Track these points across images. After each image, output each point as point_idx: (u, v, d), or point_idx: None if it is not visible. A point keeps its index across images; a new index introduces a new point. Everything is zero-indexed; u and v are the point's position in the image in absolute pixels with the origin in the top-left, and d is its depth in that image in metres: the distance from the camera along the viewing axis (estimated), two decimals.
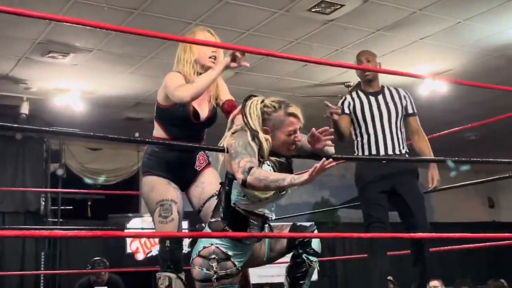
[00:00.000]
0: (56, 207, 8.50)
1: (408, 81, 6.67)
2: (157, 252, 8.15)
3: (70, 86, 7.50)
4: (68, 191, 8.71)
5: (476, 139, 10.23)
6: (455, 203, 11.99)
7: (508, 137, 9.53)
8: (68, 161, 9.31)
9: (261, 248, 2.87)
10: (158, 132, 3.24)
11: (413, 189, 3.91)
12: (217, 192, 2.88)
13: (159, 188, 3.14)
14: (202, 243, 2.73)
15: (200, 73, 3.14)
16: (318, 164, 2.39)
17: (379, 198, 3.84)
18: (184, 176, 3.24)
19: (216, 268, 2.67)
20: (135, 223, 8.49)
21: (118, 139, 2.53)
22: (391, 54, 6.72)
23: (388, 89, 4.12)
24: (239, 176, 2.52)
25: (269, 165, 2.67)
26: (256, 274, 8.34)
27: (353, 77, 5.36)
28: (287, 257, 2.91)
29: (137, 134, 7.58)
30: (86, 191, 8.83)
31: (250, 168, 2.50)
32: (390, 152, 3.93)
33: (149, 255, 8.44)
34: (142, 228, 8.30)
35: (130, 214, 8.82)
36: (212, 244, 2.69)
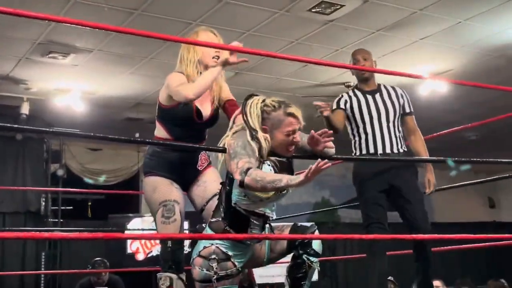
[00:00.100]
0: (57, 207, 8.51)
1: (408, 81, 6.68)
2: (157, 253, 8.21)
3: (71, 86, 7.51)
4: (69, 191, 8.72)
5: (476, 139, 10.23)
6: (456, 203, 11.98)
7: (508, 137, 9.53)
8: (69, 162, 9.32)
9: (262, 248, 2.87)
10: (160, 132, 3.23)
11: (411, 183, 3.89)
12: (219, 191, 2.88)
13: (161, 188, 3.14)
14: (202, 243, 2.74)
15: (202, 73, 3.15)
16: (313, 166, 2.38)
17: (378, 198, 3.83)
18: (186, 176, 3.24)
19: (216, 268, 2.66)
20: (135, 223, 8.49)
21: (118, 140, 2.54)
22: (391, 54, 6.72)
23: (385, 87, 4.11)
24: (237, 177, 2.53)
25: (269, 165, 2.66)
26: (256, 274, 8.29)
27: (353, 77, 5.35)
28: (288, 257, 2.91)
29: (137, 135, 7.59)
30: (86, 191, 8.84)
31: (248, 169, 2.50)
32: (388, 151, 3.92)
33: (149, 255, 8.45)
34: (143, 229, 8.31)
35: (130, 214, 8.83)
36: (212, 244, 2.69)
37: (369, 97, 4.03)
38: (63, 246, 8.70)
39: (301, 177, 2.43)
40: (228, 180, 2.70)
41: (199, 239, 2.82)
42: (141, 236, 8.70)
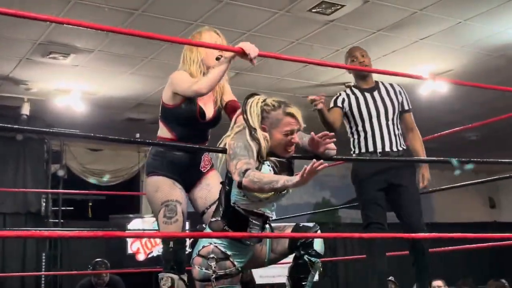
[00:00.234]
0: (57, 208, 8.52)
1: (408, 81, 6.66)
2: (158, 253, 8.22)
3: (71, 87, 7.51)
4: (69, 192, 8.72)
5: (477, 139, 10.23)
6: (456, 203, 11.98)
7: (509, 137, 9.53)
8: (69, 162, 9.32)
9: (262, 249, 2.87)
10: (163, 132, 3.24)
11: (409, 183, 3.88)
12: None
13: (164, 188, 3.13)
14: (202, 242, 2.74)
15: (205, 74, 3.14)
16: (308, 166, 2.37)
17: (378, 198, 3.82)
18: (189, 177, 3.23)
19: (214, 267, 2.67)
20: (136, 224, 8.50)
21: (119, 140, 2.54)
22: (391, 54, 6.72)
23: (383, 84, 4.09)
24: (236, 178, 2.54)
25: (269, 166, 2.67)
26: (257, 275, 8.29)
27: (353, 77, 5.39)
28: (289, 258, 2.91)
29: (137, 135, 7.60)
30: (87, 191, 8.84)
31: (246, 170, 2.50)
32: (387, 149, 3.90)
33: (150, 255, 8.45)
34: (143, 229, 8.31)
35: (130, 215, 8.84)
36: (211, 244, 2.70)
37: (368, 95, 4.00)
38: (64, 246, 8.70)
39: (297, 177, 2.43)
40: (227, 180, 2.71)
41: (199, 237, 2.83)
42: (141, 234, 8.69)
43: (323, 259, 2.84)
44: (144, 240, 8.43)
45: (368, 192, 3.84)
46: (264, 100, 2.72)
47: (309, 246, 2.79)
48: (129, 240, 8.34)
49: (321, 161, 2.38)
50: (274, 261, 2.93)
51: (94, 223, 8.79)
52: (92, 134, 2.62)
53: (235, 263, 2.71)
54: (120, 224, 8.36)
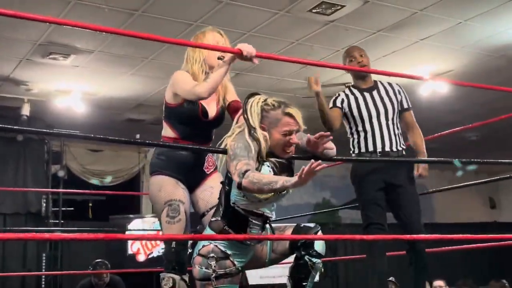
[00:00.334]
0: (57, 208, 8.52)
1: (409, 82, 6.67)
2: (158, 253, 8.22)
3: (71, 87, 7.51)
4: (69, 192, 8.72)
5: (477, 139, 10.23)
6: (456, 204, 11.99)
7: (509, 137, 9.53)
8: (69, 163, 9.32)
9: (263, 249, 2.86)
10: (167, 132, 3.25)
11: (409, 183, 3.88)
12: None
13: (167, 188, 3.14)
14: (202, 242, 2.75)
15: (208, 73, 3.16)
16: (305, 167, 2.37)
17: (377, 198, 3.81)
18: (192, 177, 3.24)
19: (214, 266, 2.67)
20: (136, 224, 8.50)
21: (119, 141, 2.54)
22: (392, 54, 6.72)
23: (382, 84, 4.07)
24: (236, 179, 2.54)
25: (268, 166, 2.67)
26: (258, 275, 8.35)
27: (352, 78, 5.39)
28: (290, 258, 2.91)
29: (138, 136, 7.60)
30: (87, 192, 8.84)
31: (246, 171, 2.50)
32: (387, 149, 3.89)
33: (150, 256, 8.45)
34: (144, 229, 8.31)
35: (131, 215, 8.84)
36: (211, 243, 2.70)
37: (367, 95, 3.99)
38: (64, 247, 8.70)
39: (295, 178, 2.42)
40: (227, 180, 2.71)
41: (199, 239, 2.83)
42: (142, 236, 8.70)
43: (323, 259, 2.84)
44: (144, 240, 8.43)
45: (367, 192, 3.83)
46: (265, 100, 2.73)
47: (310, 247, 2.78)
48: (129, 241, 8.35)
49: (319, 161, 2.38)
50: (274, 261, 2.92)
51: (94, 224, 8.79)
52: (92, 135, 2.62)
53: (235, 262, 2.71)
54: (121, 224, 8.36)
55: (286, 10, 5.70)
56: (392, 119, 3.97)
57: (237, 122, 2.83)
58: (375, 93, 4.01)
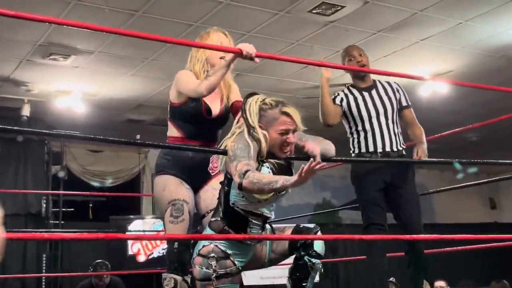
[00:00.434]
0: (58, 209, 8.51)
1: (409, 82, 6.66)
2: (158, 254, 8.22)
3: (71, 88, 7.51)
4: (69, 193, 8.71)
5: (478, 140, 10.22)
6: (456, 204, 11.98)
7: (510, 138, 9.52)
8: (69, 163, 9.31)
9: (262, 249, 2.86)
10: (172, 131, 3.27)
11: (409, 183, 3.87)
12: None
13: (171, 187, 3.15)
14: (202, 242, 2.75)
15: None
16: (305, 166, 2.37)
17: (377, 199, 3.80)
18: (197, 177, 3.25)
19: (215, 266, 2.67)
20: (136, 225, 8.49)
21: (118, 142, 2.54)
22: (392, 55, 6.72)
23: (380, 83, 4.07)
24: (236, 179, 2.54)
25: (268, 167, 2.67)
26: (258, 276, 8.34)
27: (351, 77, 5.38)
28: (291, 258, 2.91)
29: (138, 136, 7.60)
30: (87, 193, 8.83)
31: (246, 172, 2.50)
32: (387, 149, 3.88)
33: (150, 257, 8.44)
34: (144, 230, 8.31)
35: (131, 216, 8.83)
36: (211, 243, 2.70)
37: (366, 94, 3.99)
38: (64, 248, 8.69)
39: (295, 177, 2.42)
40: (226, 181, 2.71)
41: (199, 239, 2.82)
42: (142, 236, 8.70)
43: (323, 260, 2.84)
44: (144, 241, 8.43)
45: (368, 193, 3.83)
46: (263, 99, 2.73)
47: (310, 247, 2.78)
48: (129, 242, 8.34)
49: (319, 160, 2.38)
50: (274, 261, 2.92)
51: (95, 224, 8.77)
52: (92, 136, 2.62)
53: (236, 262, 2.71)
54: (121, 225, 8.35)
55: (286, 11, 5.70)
56: (392, 118, 3.96)
57: (237, 123, 2.84)
58: (374, 92, 4.00)
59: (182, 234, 3.10)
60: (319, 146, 2.72)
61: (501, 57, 6.96)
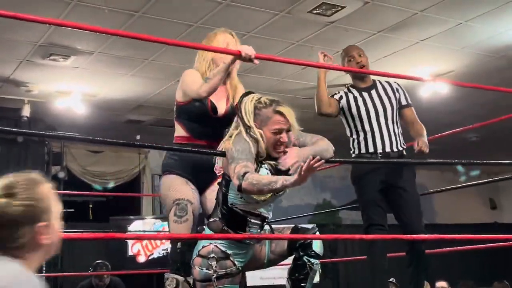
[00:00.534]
0: None
1: (409, 83, 6.65)
2: (158, 255, 8.22)
3: (72, 88, 7.51)
4: (70, 194, 8.71)
5: (478, 140, 10.22)
6: (457, 205, 11.98)
7: (510, 138, 9.52)
8: (70, 164, 9.31)
9: (262, 250, 2.87)
10: (179, 131, 3.29)
11: (409, 183, 3.85)
12: None
13: (176, 187, 3.16)
14: (201, 243, 2.75)
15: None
16: (304, 165, 2.36)
17: (378, 199, 3.79)
18: (203, 178, 3.25)
19: (215, 267, 2.67)
20: (136, 226, 8.49)
21: (117, 143, 2.54)
22: (392, 55, 6.72)
23: (380, 83, 4.06)
24: (235, 181, 2.54)
25: (266, 169, 2.67)
26: (258, 276, 8.33)
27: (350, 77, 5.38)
28: (290, 259, 2.91)
29: (138, 137, 7.59)
30: (87, 193, 8.83)
31: (245, 174, 2.51)
32: (387, 149, 3.87)
33: (150, 257, 8.44)
34: (144, 231, 8.30)
35: (131, 217, 8.83)
36: (210, 243, 2.70)
37: (365, 94, 3.98)
38: (64, 248, 8.64)
39: (295, 176, 2.42)
40: (224, 182, 2.72)
41: (200, 239, 2.82)
42: (142, 236, 8.68)
43: (323, 260, 2.84)
44: (144, 242, 8.42)
45: (368, 193, 3.82)
46: (258, 98, 2.74)
47: (308, 247, 2.79)
48: (129, 242, 8.34)
49: (318, 157, 2.37)
50: (273, 262, 2.93)
51: (95, 225, 8.78)
52: (91, 137, 2.62)
53: (236, 262, 2.71)
54: (121, 225, 8.35)
55: (287, 11, 5.70)
56: (392, 118, 3.94)
57: (234, 123, 2.83)
58: (373, 92, 3.99)
59: (185, 234, 3.10)
60: (294, 159, 2.67)
61: (501, 58, 6.96)
